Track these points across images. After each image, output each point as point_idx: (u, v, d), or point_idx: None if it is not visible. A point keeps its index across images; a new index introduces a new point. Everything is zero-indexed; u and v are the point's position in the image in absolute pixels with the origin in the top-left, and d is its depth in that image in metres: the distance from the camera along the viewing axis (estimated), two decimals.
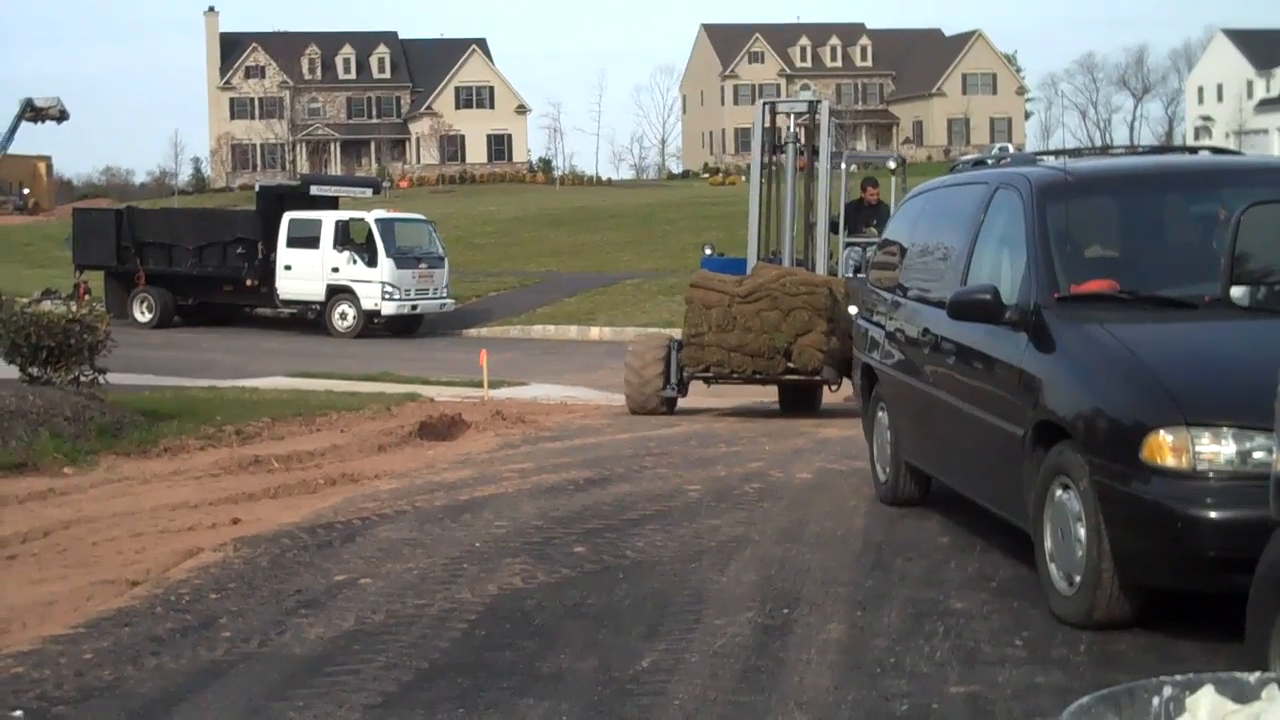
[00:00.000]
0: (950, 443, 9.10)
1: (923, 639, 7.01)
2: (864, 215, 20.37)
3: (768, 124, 19.33)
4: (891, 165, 21.72)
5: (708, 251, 20.26)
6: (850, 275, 17.88)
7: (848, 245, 19.84)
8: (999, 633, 7.11)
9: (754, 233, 18.86)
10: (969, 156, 14.11)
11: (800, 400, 16.82)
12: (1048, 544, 7.36)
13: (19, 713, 6.30)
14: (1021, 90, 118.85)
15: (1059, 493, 7.23)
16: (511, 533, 9.63)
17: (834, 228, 19.64)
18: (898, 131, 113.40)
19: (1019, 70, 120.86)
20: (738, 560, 8.78)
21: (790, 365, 15.17)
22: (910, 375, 9.59)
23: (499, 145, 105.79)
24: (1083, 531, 6.98)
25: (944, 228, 9.80)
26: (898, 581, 8.18)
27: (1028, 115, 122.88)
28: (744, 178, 78.16)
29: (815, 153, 19.16)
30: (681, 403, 16.79)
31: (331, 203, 35.01)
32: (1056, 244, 8.08)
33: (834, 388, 15.88)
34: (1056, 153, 10.08)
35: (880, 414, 10.37)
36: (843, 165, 21.41)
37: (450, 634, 7.37)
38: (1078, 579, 7.04)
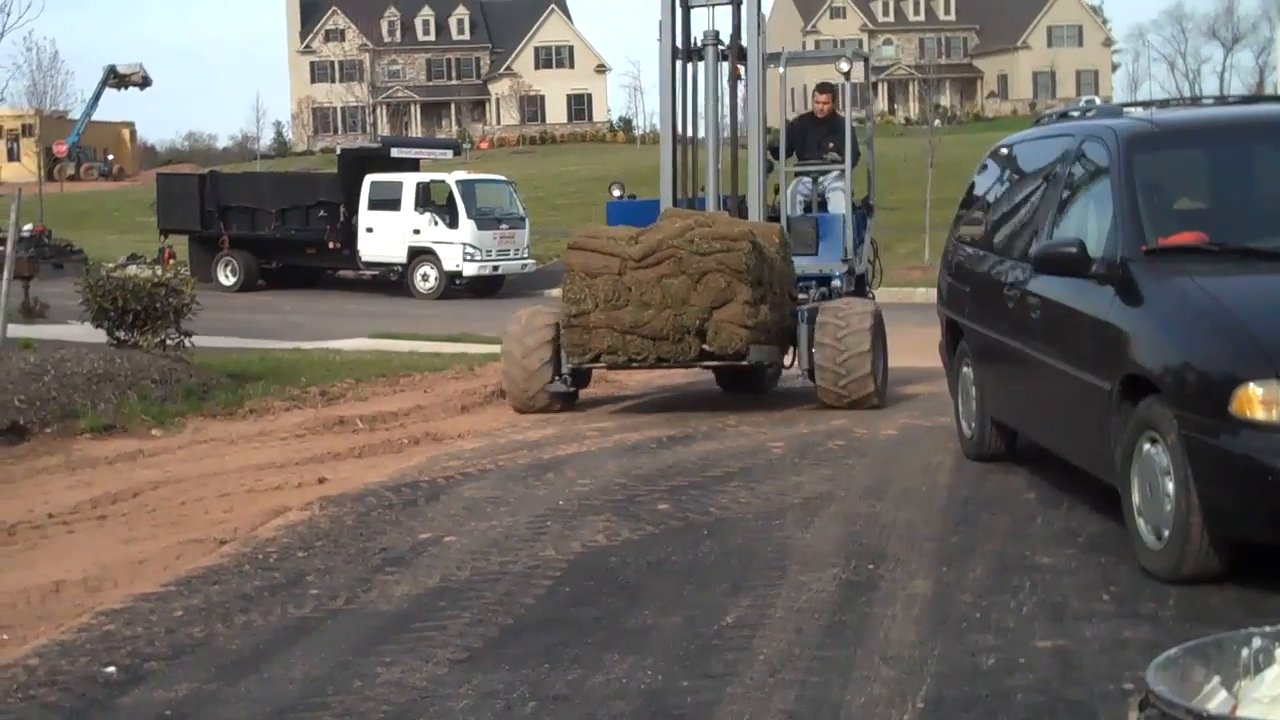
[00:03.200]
0: (1036, 398, 9.01)
1: (1009, 594, 6.96)
2: (815, 134, 15.21)
3: (678, 17, 14.44)
4: (843, 67, 14.86)
5: (615, 193, 15.17)
6: (801, 215, 14.79)
7: (798, 174, 15.21)
8: (1086, 587, 7.04)
9: (667, 167, 14.42)
10: (1054, 109, 13.07)
11: (742, 381, 14.22)
12: (1135, 499, 7.28)
13: (112, 669, 6.38)
14: (1108, 42, 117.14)
15: (1147, 447, 7.14)
16: (595, 490, 9.65)
17: (774, 153, 14.95)
18: (982, 86, 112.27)
19: (1106, 22, 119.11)
20: (822, 516, 8.75)
21: (706, 348, 12.17)
22: (995, 330, 9.50)
23: (579, 105, 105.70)
24: (1171, 486, 6.89)
25: (1029, 181, 9.70)
26: (983, 537, 8.12)
27: (1114, 68, 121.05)
28: None
29: (743, 56, 14.35)
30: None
31: (412, 165, 35.11)
32: (1144, 196, 7.96)
33: (772, 369, 13.44)
34: (1144, 104, 9.91)
35: (965, 369, 10.28)
36: (781, 69, 15.27)
37: (535, 590, 7.39)
38: (1166, 533, 6.96)
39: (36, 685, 6.20)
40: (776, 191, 15.00)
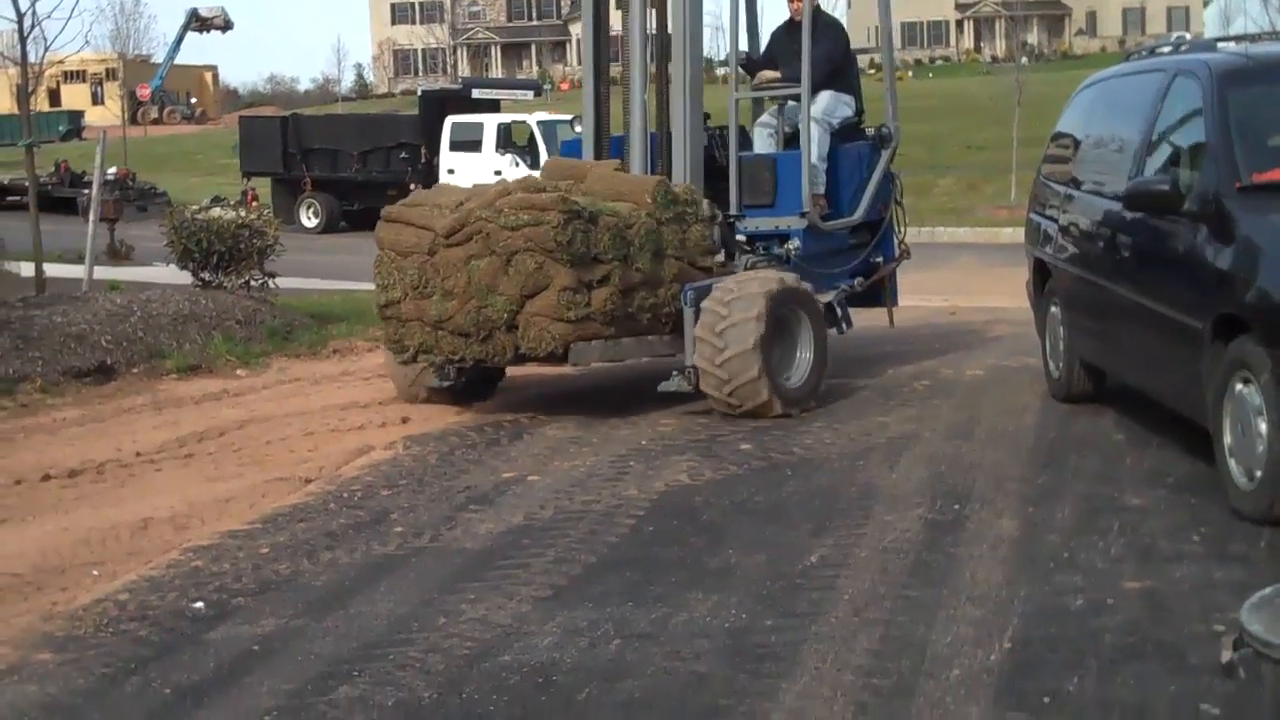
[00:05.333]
0: (1125, 337, 8.88)
1: (1097, 535, 6.88)
2: (790, 45, 11.60)
3: None
4: None
5: (577, 129, 12.51)
6: (753, 155, 11.67)
7: (770, 96, 12.18)
8: (1176, 529, 6.95)
9: (589, 101, 11.69)
10: (1145, 45, 12.50)
11: None
12: (1227, 439, 7.16)
13: (200, 604, 6.44)
14: None
15: (1239, 387, 7.02)
16: (677, 431, 9.63)
17: (750, 70, 12.18)
18: (1070, 23, 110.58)
19: None
20: (907, 457, 8.69)
21: (520, 347, 9.81)
22: (1084, 269, 9.37)
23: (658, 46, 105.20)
24: (1264, 426, 6.77)
25: (1119, 118, 9.53)
26: (1071, 478, 8.03)
27: (1206, 3, 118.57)
28: (910, 74, 76.58)
29: None
30: None
31: (493, 106, 35.04)
32: (1238, 131, 7.80)
33: (578, 367, 10.27)
34: (1237, 39, 9.71)
35: (1053, 309, 10.15)
36: None
37: (618, 529, 7.39)
38: (1258, 474, 6.85)
39: (126, 620, 6.27)
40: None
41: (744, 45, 12.44)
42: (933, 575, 6.45)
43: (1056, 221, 10.09)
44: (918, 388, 10.95)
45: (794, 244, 11.07)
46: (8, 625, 6.26)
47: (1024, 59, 47.36)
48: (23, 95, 18.49)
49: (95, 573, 7.02)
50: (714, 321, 9.70)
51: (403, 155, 33.68)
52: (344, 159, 34.85)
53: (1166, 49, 9.77)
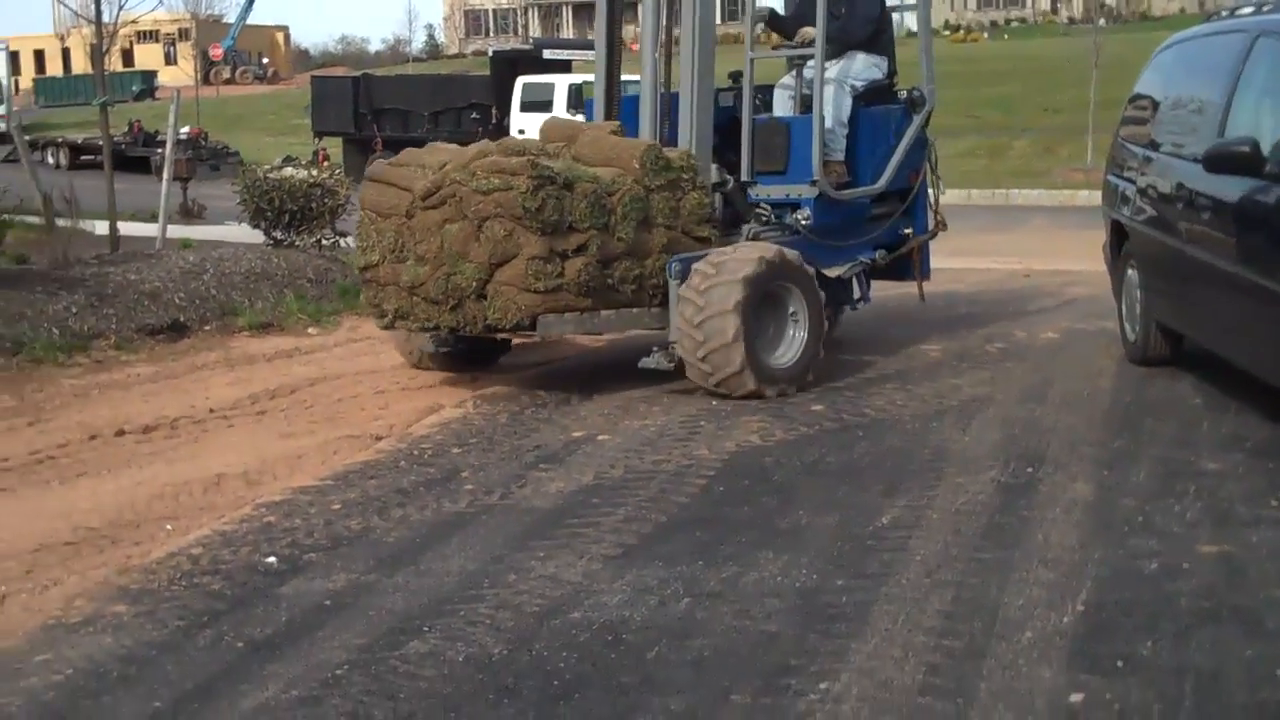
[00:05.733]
0: (1204, 301, 8.76)
1: (1173, 499, 6.80)
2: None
3: None
4: None
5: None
6: (766, 119, 10.83)
7: (789, 57, 11.26)
8: (1254, 494, 6.86)
9: (601, 56, 11.05)
10: (1227, 5, 12.14)
11: None
12: None
13: (272, 559, 6.48)
14: None
15: None
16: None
17: (777, 27, 11.50)
18: None
19: None
20: (980, 419, 8.62)
21: (488, 319, 9.28)
22: (1162, 232, 9.24)
23: (732, 5, 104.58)
24: None
25: (1199, 79, 9.38)
26: (1147, 441, 7.94)
27: None
28: (986, 35, 75.78)
29: None
30: None
31: (564, 66, 34.98)
32: None
33: (541, 337, 9.86)
34: None
35: (1130, 272, 10.03)
36: None
37: (688, 489, 7.38)
38: None
39: (200, 574, 6.32)
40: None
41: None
42: (1005, 538, 6.40)
43: (1134, 184, 9.96)
44: (991, 350, 10.86)
45: (804, 214, 10.38)
46: (84, 578, 6.32)
47: (1101, 20, 46.85)
48: (97, 55, 18.58)
49: (169, 527, 7.08)
50: (692, 311, 9.19)
51: (474, 116, 33.72)
52: (415, 119, 34.93)
53: (1248, 9, 9.59)
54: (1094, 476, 7.28)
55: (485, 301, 9.16)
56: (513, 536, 6.71)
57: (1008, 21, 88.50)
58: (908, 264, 11.34)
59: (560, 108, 32.19)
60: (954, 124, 33.83)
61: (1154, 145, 9.74)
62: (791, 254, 9.70)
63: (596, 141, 9.87)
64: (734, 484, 7.45)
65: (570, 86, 32.62)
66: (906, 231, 11.25)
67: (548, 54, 35.59)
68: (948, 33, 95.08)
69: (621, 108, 10.84)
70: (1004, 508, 6.84)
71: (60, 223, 15.54)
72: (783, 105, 11.11)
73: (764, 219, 10.45)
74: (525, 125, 32.44)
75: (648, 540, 6.57)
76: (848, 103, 10.66)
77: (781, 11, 12.09)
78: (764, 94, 11.16)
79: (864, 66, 10.82)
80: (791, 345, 9.65)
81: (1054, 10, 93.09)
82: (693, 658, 5.24)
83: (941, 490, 7.17)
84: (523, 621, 5.62)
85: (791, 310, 9.67)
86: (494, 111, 33.19)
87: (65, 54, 78.01)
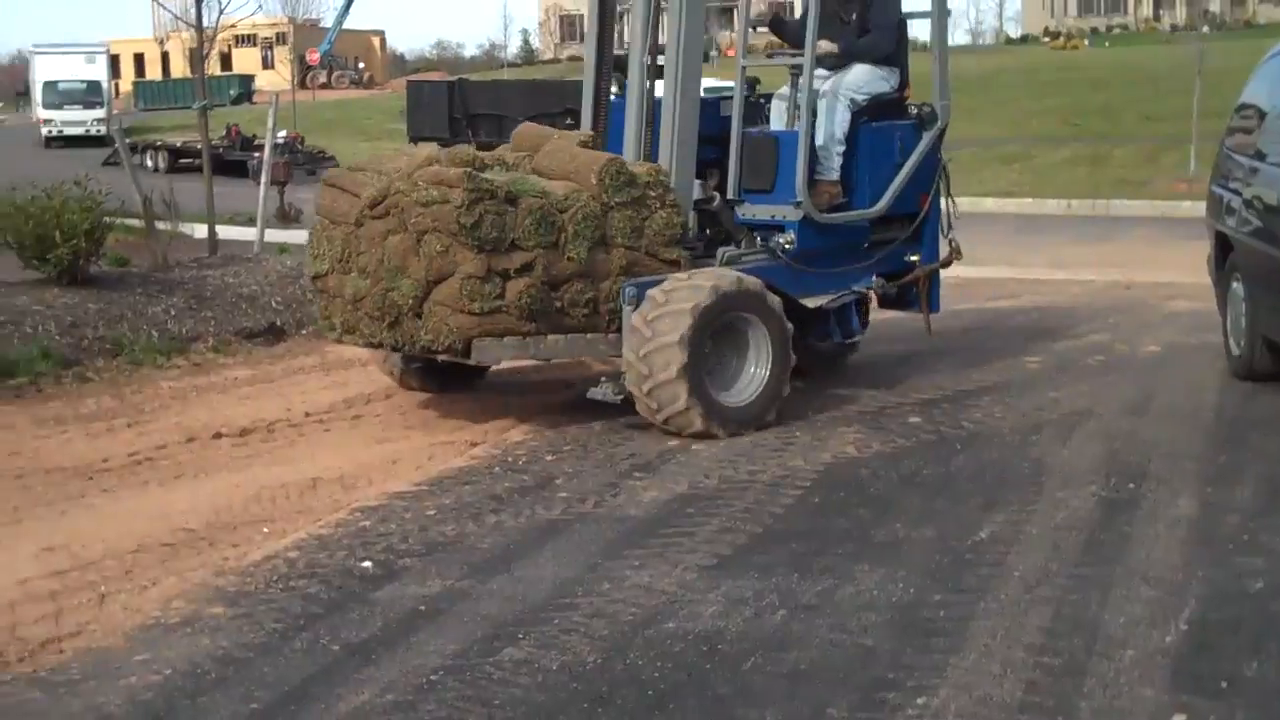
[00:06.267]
0: None
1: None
2: (828, 3, 9.90)
3: None
4: None
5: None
6: (756, 132, 9.92)
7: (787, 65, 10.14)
8: None
9: (590, 58, 10.35)
10: None
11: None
12: None
13: (368, 564, 6.50)
14: None
15: None
16: (844, 402, 9.52)
17: (781, 33, 10.70)
18: None
19: None
20: (1080, 433, 8.51)
21: (420, 340, 8.71)
22: (1269, 244, 9.08)
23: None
24: None
25: None
26: (1253, 458, 7.81)
27: None
28: (1086, 42, 74.98)
29: None
30: None
31: (659, 72, 35.00)
32: None
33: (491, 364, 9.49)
34: None
35: (1235, 285, 9.86)
36: None
37: (783, 500, 7.34)
38: None
39: (296, 577, 6.34)
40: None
41: None
42: (1106, 554, 6.31)
43: (1240, 195, 9.80)
44: (1091, 363, 10.72)
45: (788, 237, 9.54)
46: (182, 579, 6.36)
47: (1205, 27, 46.26)
48: (197, 59, 18.80)
49: (265, 530, 7.12)
50: (639, 342, 8.58)
51: (568, 121, 33.68)
52: (509, 124, 34.73)
53: None
54: (1197, 493, 7.16)
55: (421, 321, 8.61)
56: (607, 545, 6.69)
57: (1109, 29, 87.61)
58: (912, 294, 10.46)
59: None
60: (1053, 132, 33.57)
61: (1260, 155, 9.58)
62: (751, 282, 8.89)
63: (557, 153, 9.23)
64: (830, 496, 7.40)
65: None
66: (913, 259, 10.30)
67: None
68: (1047, 40, 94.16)
69: (610, 116, 10.08)
70: (1105, 523, 6.74)
71: (160, 226, 15.72)
72: (780, 118, 10.09)
73: (738, 241, 9.65)
74: None
75: (743, 551, 6.53)
76: (845, 117, 9.72)
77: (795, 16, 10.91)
78: (765, 105, 10.36)
79: (867, 78, 9.86)
80: (751, 382, 8.91)
81: (1156, 17, 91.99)
82: (788, 670, 5.20)
83: (1041, 505, 7.08)
84: (617, 630, 5.60)
85: (753, 344, 8.94)
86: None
87: (164, 58, 79.13)
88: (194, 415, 9.64)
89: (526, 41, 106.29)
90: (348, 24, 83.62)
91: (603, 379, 9.04)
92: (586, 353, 9.16)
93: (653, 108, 9.68)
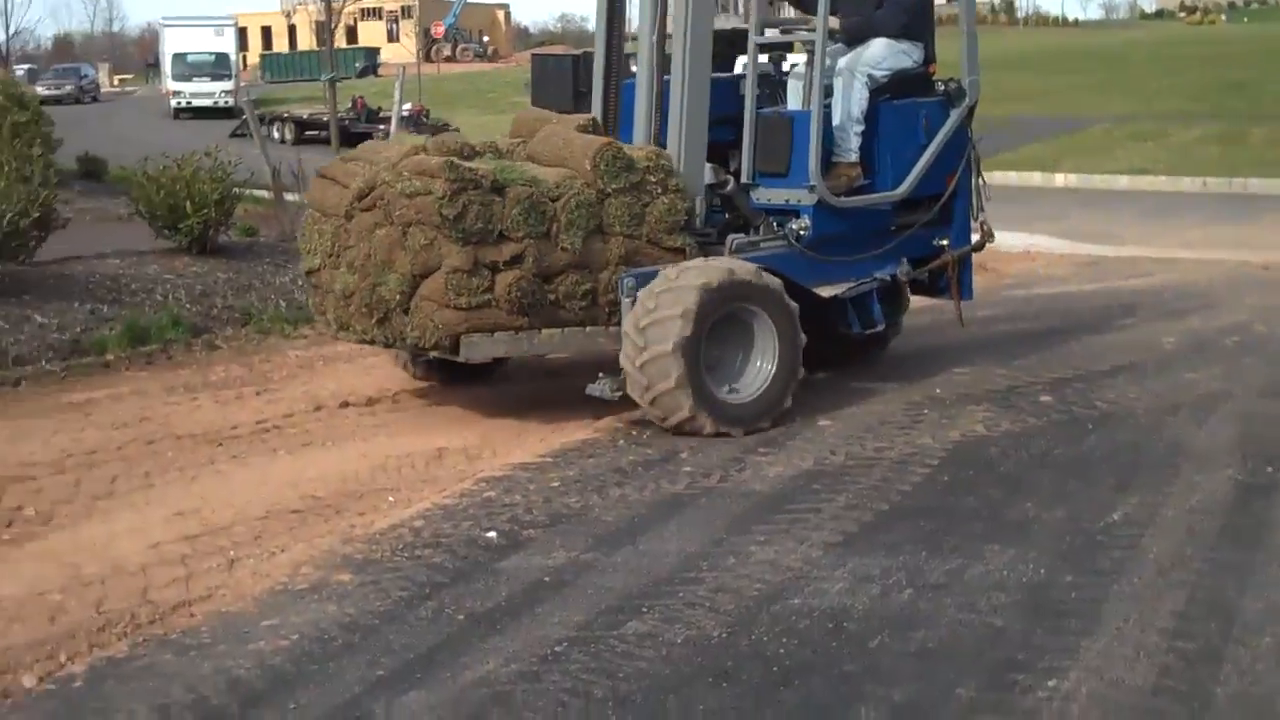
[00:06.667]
0: None
1: None
2: None
3: None
4: None
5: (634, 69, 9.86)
6: (771, 112, 9.35)
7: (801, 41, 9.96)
8: None
9: (601, 36, 9.78)
10: None
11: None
12: None
13: (493, 534, 6.50)
14: None
15: None
16: (973, 380, 9.40)
17: (802, 6, 10.22)
18: None
19: None
20: (1216, 415, 8.34)
21: (408, 336, 8.35)
22: None
23: None
24: None
25: None
26: None
27: None
28: (1224, 17, 73.49)
29: None
30: None
31: (785, 46, 34.79)
32: None
33: (483, 360, 8.76)
34: None
35: None
36: None
37: (911, 478, 7.25)
38: None
39: (422, 546, 6.37)
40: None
41: None
42: (1243, 538, 6.18)
43: None
44: (1227, 344, 10.50)
45: (802, 223, 9.00)
46: (310, 546, 6.41)
47: None
48: (325, 32, 18.96)
49: (391, 499, 7.15)
50: (639, 314, 8.18)
51: None
52: None
53: None
54: None
55: (408, 317, 8.26)
56: (732, 519, 6.65)
57: (1247, 3, 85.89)
58: (943, 280, 9.86)
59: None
60: (1189, 109, 32.93)
61: None
62: (748, 271, 8.42)
63: (551, 138, 8.81)
64: (959, 474, 7.30)
65: (791, 67, 32.34)
66: (942, 243, 9.66)
67: (769, 33, 35.37)
68: (1183, 14, 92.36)
69: (622, 98, 9.63)
70: (1241, 507, 6.61)
71: (287, 197, 15.87)
72: (797, 97, 9.51)
73: (756, 227, 9.16)
74: None
75: (869, 528, 6.46)
76: (863, 95, 9.14)
77: None
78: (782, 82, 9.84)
79: (886, 53, 9.27)
80: (757, 377, 8.47)
81: None
82: (916, 649, 5.14)
83: (1176, 487, 6.95)
84: (742, 605, 5.56)
85: (760, 341, 8.49)
86: None
87: (291, 30, 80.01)
88: (320, 384, 9.72)
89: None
90: None
91: (601, 375, 8.44)
92: (585, 347, 8.65)
93: (663, 90, 9.13)
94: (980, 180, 9.85)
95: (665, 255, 8.52)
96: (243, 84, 51.94)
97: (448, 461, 7.83)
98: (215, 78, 51.58)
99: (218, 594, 5.84)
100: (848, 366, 9.64)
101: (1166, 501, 6.72)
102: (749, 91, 9.10)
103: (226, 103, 49.23)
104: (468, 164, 8.17)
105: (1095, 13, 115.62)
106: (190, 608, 5.70)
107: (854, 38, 9.35)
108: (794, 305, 8.51)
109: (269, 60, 76.67)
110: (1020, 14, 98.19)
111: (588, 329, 8.42)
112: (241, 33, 62.98)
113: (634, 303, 8.23)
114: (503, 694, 4.84)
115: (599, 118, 9.41)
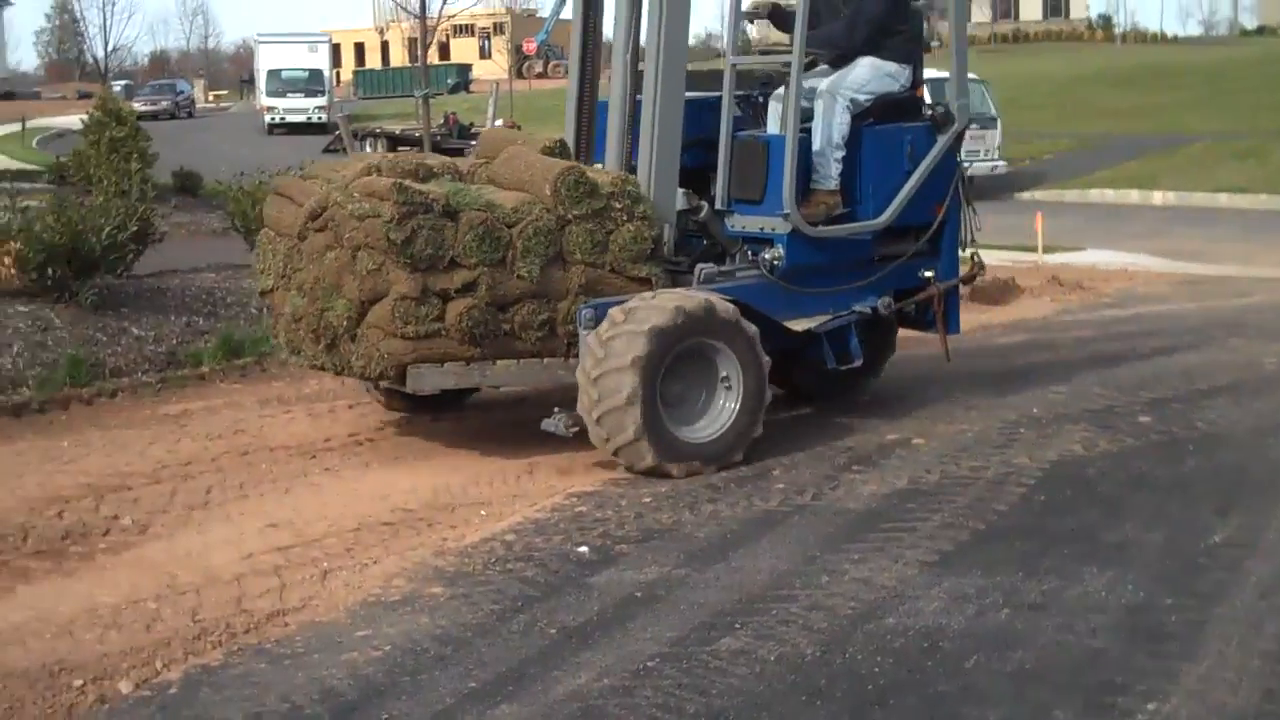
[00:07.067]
0: None
1: None
2: None
3: None
4: None
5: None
6: (746, 136, 8.84)
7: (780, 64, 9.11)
8: None
9: (575, 55, 9.28)
10: None
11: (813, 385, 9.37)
12: None
13: (584, 548, 6.49)
14: None
15: None
16: (1070, 399, 9.30)
17: (780, 23, 9.16)
18: None
19: None
20: None
21: (353, 365, 8.02)
22: None
23: (1054, 1, 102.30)
24: None
25: None
26: None
27: None
28: None
29: None
30: None
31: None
32: None
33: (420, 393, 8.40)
34: None
35: None
36: None
37: (1007, 498, 7.17)
38: None
39: (513, 559, 6.37)
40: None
41: None
42: None
43: None
44: None
45: (776, 252, 8.50)
46: (402, 558, 6.43)
47: None
48: (421, 48, 19.09)
49: (483, 512, 7.16)
50: (591, 362, 7.70)
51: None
52: None
53: None
54: None
55: (354, 344, 7.91)
56: (825, 537, 6.60)
57: None
58: (929, 313, 9.24)
59: None
60: None
61: None
62: (723, 305, 7.94)
63: (513, 160, 8.40)
64: (1056, 494, 7.21)
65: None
66: (927, 275, 9.10)
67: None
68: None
69: (596, 119, 9.13)
70: None
71: None
72: (776, 120, 8.91)
73: (731, 255, 8.78)
74: None
75: (965, 548, 6.39)
76: (844, 120, 8.61)
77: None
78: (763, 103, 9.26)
79: (870, 76, 8.76)
80: (719, 416, 7.98)
81: None
82: (1012, 670, 5.07)
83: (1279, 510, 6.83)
84: (836, 624, 5.52)
85: (723, 374, 7.98)
86: None
87: (384, 47, 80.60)
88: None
89: (744, 31, 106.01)
90: (564, 14, 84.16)
91: (556, 409, 7.99)
92: (540, 380, 8.24)
93: (635, 110, 8.71)
94: (971, 209, 9.37)
95: (629, 285, 8.09)
96: (336, 100, 52.47)
97: (539, 475, 7.83)
98: (309, 94, 52.08)
99: (311, 604, 5.87)
100: (829, 401, 9.24)
101: (1268, 524, 6.61)
102: (725, 113, 8.69)
103: (320, 118, 49.67)
104: (419, 186, 7.81)
105: (1194, 29, 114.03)
106: (284, 617, 5.72)
107: (839, 60, 8.85)
108: (753, 328, 7.99)
109: (362, 76, 77.31)
110: (1118, 30, 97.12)
111: (545, 361, 8.04)
112: (335, 49, 63.60)
113: (592, 331, 7.78)
114: (595, 708, 4.83)
115: (570, 139, 9.02)
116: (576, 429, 7.83)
